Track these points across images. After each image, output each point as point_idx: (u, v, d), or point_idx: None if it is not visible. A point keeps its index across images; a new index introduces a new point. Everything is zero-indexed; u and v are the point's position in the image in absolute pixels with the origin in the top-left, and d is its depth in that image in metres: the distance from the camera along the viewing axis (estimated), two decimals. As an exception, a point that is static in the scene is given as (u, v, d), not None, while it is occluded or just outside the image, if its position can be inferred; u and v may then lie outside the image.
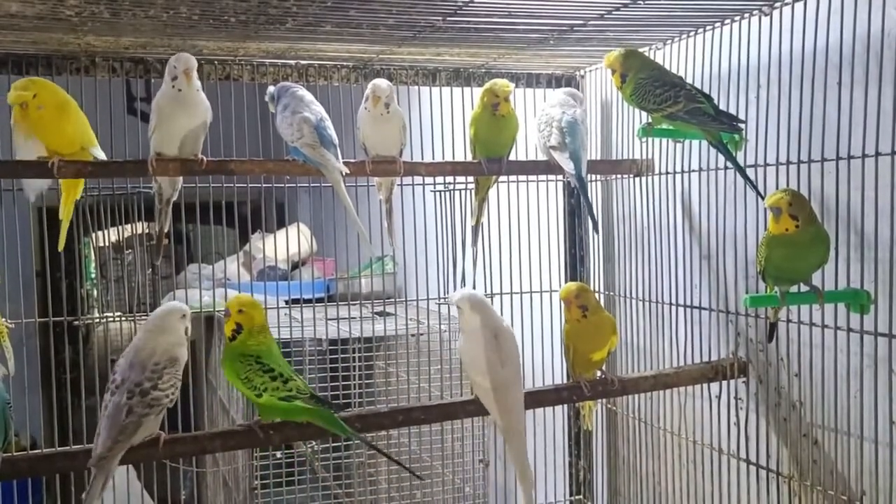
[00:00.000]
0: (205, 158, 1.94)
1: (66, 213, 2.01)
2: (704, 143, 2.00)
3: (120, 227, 2.59)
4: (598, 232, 2.44)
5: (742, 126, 1.89)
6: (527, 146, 2.43)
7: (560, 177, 2.52)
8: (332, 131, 2.01)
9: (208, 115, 1.95)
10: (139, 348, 1.69)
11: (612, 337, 1.99)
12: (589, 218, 2.14)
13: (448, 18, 1.83)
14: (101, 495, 1.62)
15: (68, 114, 1.86)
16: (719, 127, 1.88)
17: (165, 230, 2.10)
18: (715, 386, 2.09)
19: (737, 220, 2.00)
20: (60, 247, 2.01)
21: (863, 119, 1.63)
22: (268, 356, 1.76)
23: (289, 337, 2.52)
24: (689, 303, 2.19)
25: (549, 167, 2.17)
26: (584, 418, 2.16)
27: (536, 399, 1.99)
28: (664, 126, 1.99)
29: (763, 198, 1.84)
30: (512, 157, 2.27)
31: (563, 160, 2.08)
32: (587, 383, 1.98)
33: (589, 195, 2.12)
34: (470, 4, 1.72)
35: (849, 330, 1.71)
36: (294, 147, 1.99)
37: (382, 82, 2.05)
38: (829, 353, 1.77)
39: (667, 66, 2.05)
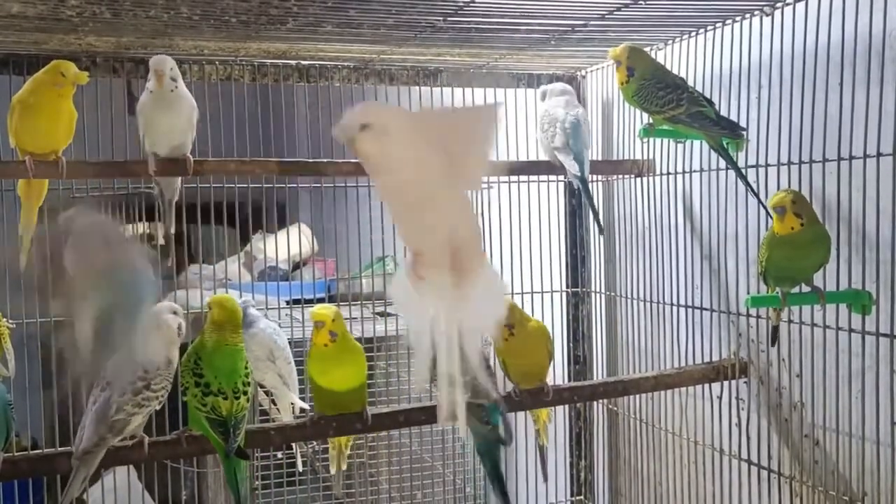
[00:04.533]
0: (191, 158, 1.94)
1: (26, 226, 1.92)
2: (706, 143, 2.00)
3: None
4: (603, 233, 2.44)
5: (743, 133, 1.89)
6: (527, 146, 2.43)
7: (561, 177, 2.52)
8: None
9: (193, 113, 1.94)
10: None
11: (545, 349, 1.90)
12: (594, 220, 2.14)
13: (449, 19, 1.83)
14: (83, 489, 1.60)
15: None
16: (721, 132, 1.88)
17: (172, 231, 2.09)
18: (716, 386, 2.09)
19: (738, 220, 2.00)
20: (23, 266, 1.88)
21: (864, 119, 1.63)
22: (211, 358, 1.70)
23: (290, 337, 2.52)
24: (690, 303, 2.19)
25: (551, 167, 2.17)
26: (539, 433, 2.07)
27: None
28: (665, 127, 1.99)
29: (762, 203, 1.84)
30: (513, 158, 2.26)
31: (568, 161, 2.08)
32: (519, 391, 1.90)
33: (593, 197, 2.12)
34: (471, 5, 1.72)
35: (850, 330, 1.71)
36: None
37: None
38: (831, 353, 1.77)
39: (668, 67, 2.05)
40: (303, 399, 2.24)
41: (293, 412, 2.23)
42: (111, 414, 1.60)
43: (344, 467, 2.04)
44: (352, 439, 2.05)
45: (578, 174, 2.07)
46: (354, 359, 1.80)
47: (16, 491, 2.39)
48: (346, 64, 2.31)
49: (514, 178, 2.48)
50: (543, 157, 2.21)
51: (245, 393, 1.70)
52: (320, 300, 3.04)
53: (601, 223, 2.20)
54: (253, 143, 2.35)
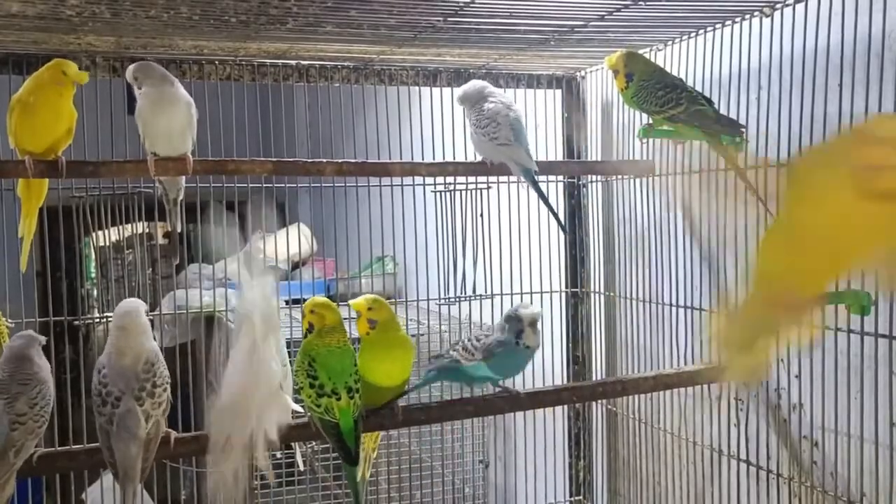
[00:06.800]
0: (191, 158, 1.94)
1: (28, 228, 1.92)
2: (705, 143, 2.00)
3: (120, 227, 2.59)
4: (566, 232, 2.42)
5: (743, 130, 1.89)
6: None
7: (560, 178, 2.52)
8: None
9: (190, 111, 1.94)
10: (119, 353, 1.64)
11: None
12: (552, 215, 2.11)
13: (448, 19, 1.83)
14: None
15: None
16: (721, 130, 1.88)
17: (178, 230, 2.09)
18: (715, 387, 2.09)
19: (737, 221, 2.00)
20: (23, 268, 1.93)
21: (863, 120, 1.63)
22: (325, 359, 1.71)
23: (288, 337, 2.52)
24: (689, 304, 2.19)
25: (491, 168, 2.13)
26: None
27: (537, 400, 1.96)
28: (665, 127, 1.99)
29: (763, 202, 1.83)
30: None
31: (521, 156, 2.05)
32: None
33: (545, 193, 2.11)
34: (471, 5, 1.72)
35: (849, 331, 1.71)
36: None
37: None
38: (830, 354, 1.77)
39: (668, 68, 2.05)
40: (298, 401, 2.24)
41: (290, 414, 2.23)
42: (142, 427, 1.59)
43: (368, 475, 1.98)
44: (379, 440, 2.01)
45: (533, 168, 2.05)
46: (397, 354, 1.75)
47: (15, 491, 2.39)
48: (346, 64, 2.31)
49: (514, 178, 2.48)
50: (479, 155, 2.15)
51: (358, 391, 1.70)
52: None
53: (560, 220, 2.17)
54: (252, 143, 2.35)
